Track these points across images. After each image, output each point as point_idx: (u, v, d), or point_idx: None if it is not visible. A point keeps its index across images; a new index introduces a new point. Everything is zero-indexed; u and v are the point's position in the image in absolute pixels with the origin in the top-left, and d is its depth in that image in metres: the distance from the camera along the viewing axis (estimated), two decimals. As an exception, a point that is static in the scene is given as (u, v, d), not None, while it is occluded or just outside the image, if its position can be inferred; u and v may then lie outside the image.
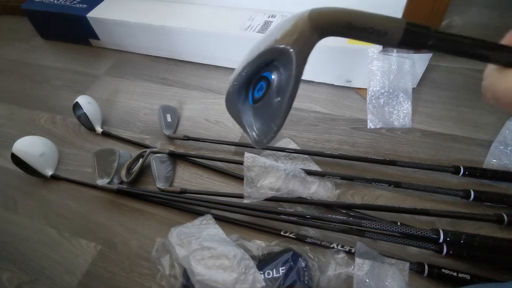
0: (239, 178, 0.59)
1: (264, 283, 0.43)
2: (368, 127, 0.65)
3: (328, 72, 0.72)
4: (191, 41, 0.80)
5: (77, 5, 0.89)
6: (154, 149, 0.64)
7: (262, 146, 0.24)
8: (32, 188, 0.64)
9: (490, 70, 0.19)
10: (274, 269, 0.45)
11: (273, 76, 0.23)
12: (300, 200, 0.53)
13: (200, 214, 0.53)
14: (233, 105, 0.26)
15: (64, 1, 0.92)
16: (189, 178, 0.61)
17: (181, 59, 0.86)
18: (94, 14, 0.86)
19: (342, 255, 0.46)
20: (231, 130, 0.69)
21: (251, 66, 0.24)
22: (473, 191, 0.50)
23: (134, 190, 0.59)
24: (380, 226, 0.46)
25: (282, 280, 0.44)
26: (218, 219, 0.52)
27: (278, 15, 0.76)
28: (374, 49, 0.64)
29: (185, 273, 0.46)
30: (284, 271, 0.44)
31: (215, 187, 0.59)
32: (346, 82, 0.72)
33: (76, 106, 0.70)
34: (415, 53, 0.65)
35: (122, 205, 0.59)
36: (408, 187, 0.53)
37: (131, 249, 0.53)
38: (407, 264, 0.44)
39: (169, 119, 0.70)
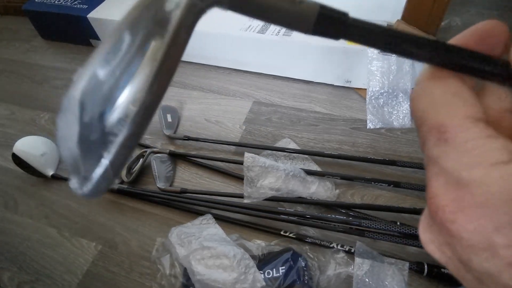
0: (239, 178, 0.59)
1: (264, 283, 0.43)
2: (367, 127, 0.65)
3: (328, 72, 0.72)
4: (191, 41, 0.79)
5: (78, 6, 0.90)
6: (155, 149, 0.64)
7: (83, 194, 0.12)
8: (32, 188, 0.64)
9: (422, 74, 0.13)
10: (274, 269, 0.45)
11: (153, 43, 0.13)
12: (300, 200, 0.53)
13: (200, 214, 0.53)
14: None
15: (65, 2, 0.92)
16: (189, 178, 0.61)
17: (181, 59, 0.86)
18: (94, 14, 0.86)
19: (341, 254, 0.46)
20: (231, 130, 0.69)
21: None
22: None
23: (134, 190, 0.59)
24: (380, 226, 0.46)
25: (282, 279, 0.44)
26: (218, 219, 0.53)
27: (278, 16, 0.77)
28: (373, 49, 0.65)
29: (185, 273, 0.46)
30: (284, 270, 0.45)
31: (215, 187, 0.59)
32: (346, 82, 0.72)
33: (77, 106, 0.70)
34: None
35: (122, 205, 0.59)
36: (407, 187, 0.53)
37: (131, 249, 0.53)
38: (407, 264, 0.44)
39: (169, 119, 0.70)
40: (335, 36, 0.12)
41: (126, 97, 0.12)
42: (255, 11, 0.12)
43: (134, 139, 0.12)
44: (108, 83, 0.13)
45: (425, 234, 0.11)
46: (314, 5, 0.12)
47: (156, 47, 0.12)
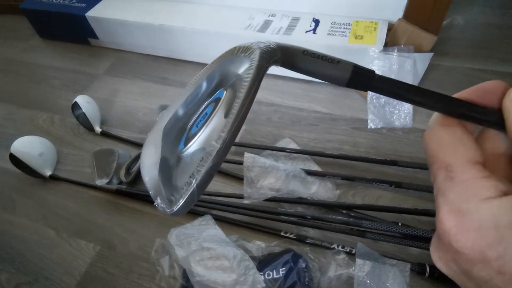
0: (239, 178, 0.58)
1: (264, 284, 0.43)
2: (369, 127, 0.65)
3: (329, 71, 0.72)
4: (191, 40, 0.79)
5: (76, 4, 0.89)
6: (154, 149, 0.64)
7: (172, 213, 0.15)
8: (30, 189, 0.63)
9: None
10: (274, 270, 0.45)
11: (225, 92, 0.17)
12: (300, 201, 0.53)
13: (200, 214, 0.53)
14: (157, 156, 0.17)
15: (63, 0, 0.92)
16: (188, 178, 0.61)
17: (181, 59, 0.86)
18: (93, 13, 0.85)
19: (342, 256, 0.46)
20: (231, 130, 0.68)
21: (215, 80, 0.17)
22: (475, 191, 0.50)
23: (133, 190, 0.58)
24: (381, 227, 0.46)
25: (282, 281, 0.44)
26: (218, 220, 0.52)
27: (279, 14, 0.76)
28: (375, 48, 0.64)
29: (185, 274, 0.46)
30: (284, 272, 0.44)
31: (214, 187, 0.59)
32: (347, 81, 0.72)
33: (75, 105, 0.69)
34: (415, 52, 0.65)
35: (121, 206, 0.58)
36: (409, 187, 0.52)
37: (130, 250, 0.53)
38: (408, 265, 0.43)
39: (168, 118, 0.69)
40: (364, 88, 0.15)
41: (210, 136, 0.16)
42: (302, 71, 0.15)
43: (216, 167, 0.14)
44: (184, 119, 0.18)
45: (435, 253, 0.14)
46: (349, 64, 0.15)
47: (231, 97, 0.15)
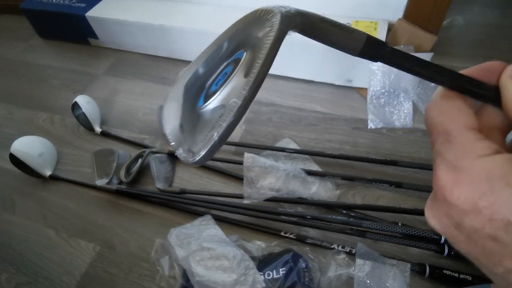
0: (239, 178, 0.58)
1: (264, 284, 0.43)
2: (369, 127, 0.65)
3: (329, 71, 0.72)
4: (190, 40, 0.79)
5: (76, 4, 0.89)
6: (153, 149, 0.64)
7: (194, 162, 0.16)
8: (30, 189, 0.63)
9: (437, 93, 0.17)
10: (274, 270, 0.45)
11: (245, 53, 0.18)
12: (300, 201, 0.53)
13: (200, 214, 0.53)
14: (177, 111, 0.18)
15: (63, 0, 0.92)
16: (188, 178, 0.61)
17: (181, 59, 0.86)
18: (93, 13, 0.85)
19: (342, 256, 0.45)
20: (231, 130, 0.68)
21: (231, 43, 0.19)
22: (475, 191, 0.50)
23: (133, 190, 0.58)
24: (381, 227, 0.46)
25: (282, 281, 0.43)
26: (218, 220, 0.52)
27: (278, 14, 0.76)
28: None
29: (185, 274, 0.46)
30: (284, 272, 0.44)
31: (214, 187, 0.59)
32: (347, 81, 0.72)
33: (75, 105, 0.69)
34: (415, 53, 0.65)
35: (121, 206, 0.58)
36: (409, 187, 0.52)
37: (130, 250, 0.52)
38: (408, 265, 0.43)
39: (168, 118, 0.69)
40: (374, 58, 0.16)
41: (229, 94, 0.16)
42: (318, 38, 0.16)
43: (236, 123, 0.15)
44: (204, 77, 0.19)
45: (428, 212, 0.15)
46: (363, 34, 0.16)
47: (251, 58, 0.16)
